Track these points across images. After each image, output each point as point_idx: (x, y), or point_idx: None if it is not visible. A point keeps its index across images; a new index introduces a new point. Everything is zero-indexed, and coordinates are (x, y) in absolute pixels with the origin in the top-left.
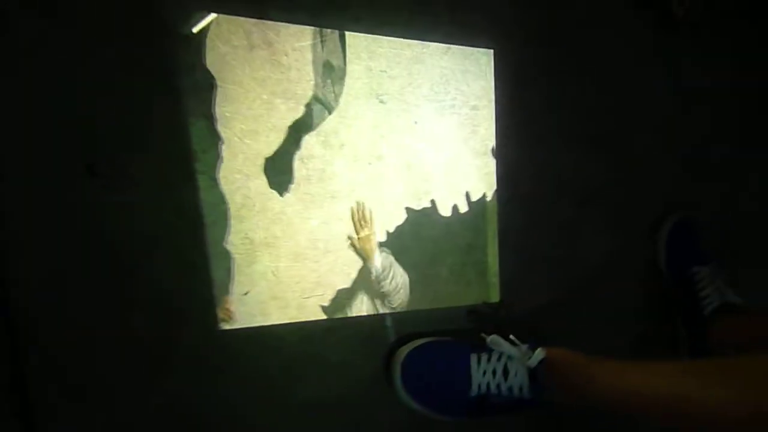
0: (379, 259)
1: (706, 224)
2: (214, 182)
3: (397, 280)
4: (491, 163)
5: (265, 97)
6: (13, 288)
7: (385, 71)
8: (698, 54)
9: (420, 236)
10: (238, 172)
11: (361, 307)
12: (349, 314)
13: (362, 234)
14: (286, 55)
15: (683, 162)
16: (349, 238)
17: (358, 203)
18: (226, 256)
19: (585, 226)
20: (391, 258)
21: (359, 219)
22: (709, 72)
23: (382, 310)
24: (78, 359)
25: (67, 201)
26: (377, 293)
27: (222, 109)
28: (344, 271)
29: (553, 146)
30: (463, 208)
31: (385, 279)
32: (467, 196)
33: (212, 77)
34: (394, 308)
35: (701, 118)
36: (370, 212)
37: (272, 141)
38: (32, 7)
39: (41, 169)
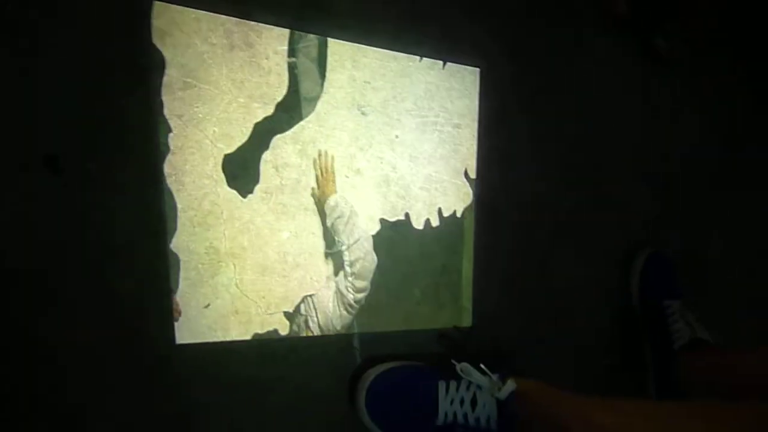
0: (336, 200)
1: (678, 259)
2: (181, 186)
3: (362, 245)
4: (470, 184)
5: (241, 100)
6: None
7: (369, 82)
8: (679, 89)
9: (393, 255)
10: (208, 177)
11: (328, 321)
12: (315, 333)
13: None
14: (266, 58)
15: (659, 195)
16: (312, 188)
17: (320, 152)
18: (176, 260)
19: (559, 253)
20: (352, 208)
21: (323, 167)
22: (688, 108)
23: (347, 295)
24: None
25: (21, 198)
26: (339, 263)
27: (195, 109)
28: (314, 286)
29: (532, 171)
30: (439, 227)
31: (342, 228)
32: (443, 215)
33: (188, 76)
34: (358, 291)
35: (679, 152)
36: (333, 160)
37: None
38: None
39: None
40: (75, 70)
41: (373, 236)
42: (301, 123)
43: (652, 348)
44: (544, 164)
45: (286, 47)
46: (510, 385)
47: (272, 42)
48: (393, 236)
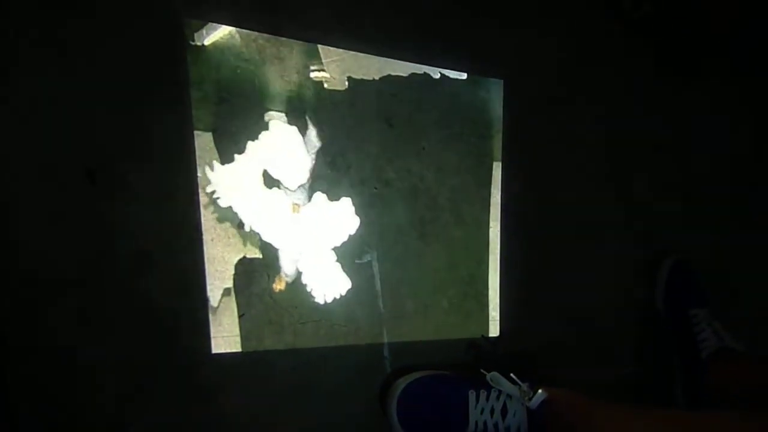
0: None
1: (703, 267)
2: (217, 197)
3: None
4: (496, 194)
5: (273, 113)
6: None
7: (395, 95)
8: (701, 101)
9: (422, 265)
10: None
11: (360, 332)
12: (347, 342)
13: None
14: (297, 72)
15: (683, 202)
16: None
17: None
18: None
19: (584, 262)
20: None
21: None
22: (712, 117)
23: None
24: (60, 372)
25: (64, 207)
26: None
27: (229, 123)
28: (346, 296)
29: (556, 180)
30: (466, 237)
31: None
32: (469, 225)
33: (222, 91)
34: None
35: (702, 162)
36: None
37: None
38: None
39: (42, 171)
40: (114, 85)
41: (403, 247)
42: (330, 135)
43: (679, 357)
44: (568, 173)
45: (315, 61)
46: (541, 394)
47: (302, 56)
48: (421, 246)
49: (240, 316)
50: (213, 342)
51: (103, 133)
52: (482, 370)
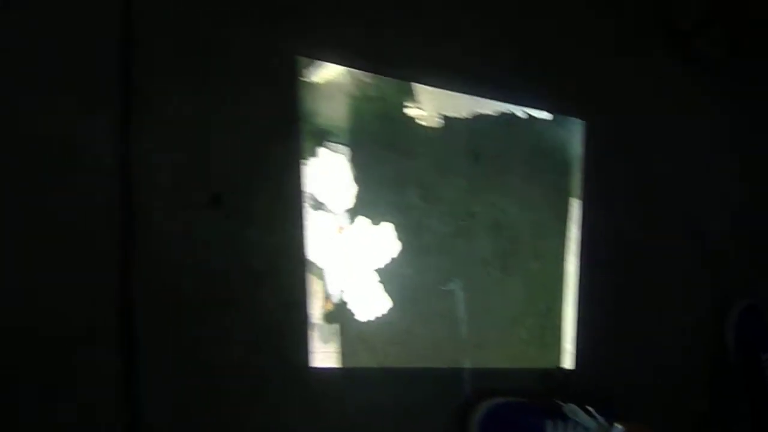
0: None
1: None
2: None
3: None
4: (574, 230)
5: (377, 149)
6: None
7: (483, 131)
8: None
9: (503, 295)
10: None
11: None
12: (430, 365)
13: None
14: (399, 109)
15: (754, 245)
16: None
17: None
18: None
19: (656, 301)
20: None
21: None
22: None
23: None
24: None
25: (193, 227)
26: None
27: (336, 155)
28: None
29: (632, 218)
30: (544, 270)
31: None
32: (548, 259)
33: (329, 125)
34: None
35: None
36: None
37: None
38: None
39: (169, 194)
40: (236, 119)
41: (485, 277)
42: (421, 168)
43: (750, 400)
44: (644, 213)
45: (410, 98)
46: (618, 428)
47: (399, 94)
48: (502, 278)
49: (337, 334)
50: (311, 357)
51: (227, 161)
52: (558, 401)
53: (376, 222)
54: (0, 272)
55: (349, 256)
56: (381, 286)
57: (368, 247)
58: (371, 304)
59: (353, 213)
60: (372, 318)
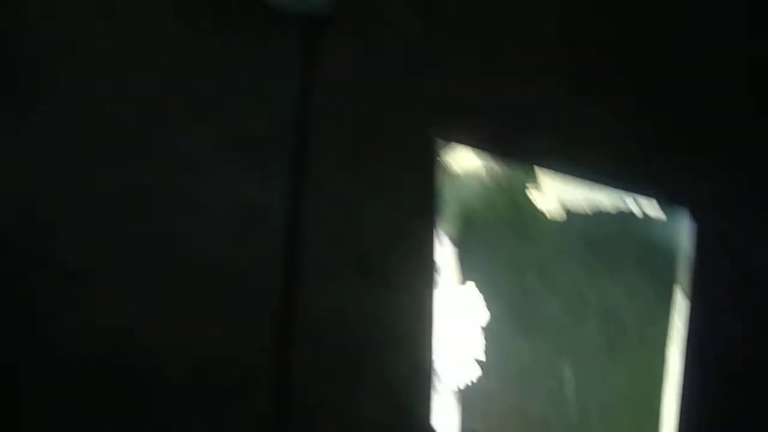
0: None
1: None
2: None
3: None
4: (680, 323)
5: (505, 232)
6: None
7: (594, 218)
8: None
9: (608, 381)
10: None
11: None
12: None
13: None
14: (523, 197)
15: None
16: None
17: None
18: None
19: (759, 403)
20: None
21: None
22: None
23: None
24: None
25: (343, 294)
26: None
27: (468, 239)
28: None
29: (739, 318)
30: (649, 361)
31: None
32: (653, 350)
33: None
34: None
35: None
36: None
37: None
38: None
39: (326, 257)
40: (383, 196)
41: (593, 362)
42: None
43: None
44: (750, 312)
45: (533, 184)
46: None
47: (522, 179)
48: (608, 364)
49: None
50: (436, 417)
51: (374, 234)
52: None
53: (495, 301)
54: (176, 318)
55: (467, 331)
56: (494, 361)
57: (485, 324)
58: (485, 378)
59: (475, 289)
60: (484, 391)
